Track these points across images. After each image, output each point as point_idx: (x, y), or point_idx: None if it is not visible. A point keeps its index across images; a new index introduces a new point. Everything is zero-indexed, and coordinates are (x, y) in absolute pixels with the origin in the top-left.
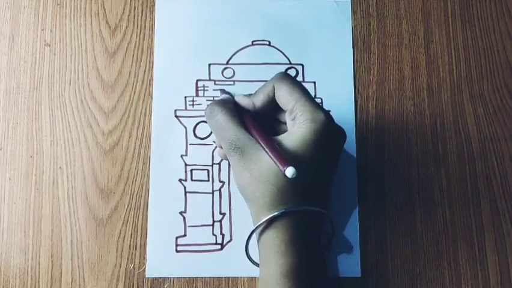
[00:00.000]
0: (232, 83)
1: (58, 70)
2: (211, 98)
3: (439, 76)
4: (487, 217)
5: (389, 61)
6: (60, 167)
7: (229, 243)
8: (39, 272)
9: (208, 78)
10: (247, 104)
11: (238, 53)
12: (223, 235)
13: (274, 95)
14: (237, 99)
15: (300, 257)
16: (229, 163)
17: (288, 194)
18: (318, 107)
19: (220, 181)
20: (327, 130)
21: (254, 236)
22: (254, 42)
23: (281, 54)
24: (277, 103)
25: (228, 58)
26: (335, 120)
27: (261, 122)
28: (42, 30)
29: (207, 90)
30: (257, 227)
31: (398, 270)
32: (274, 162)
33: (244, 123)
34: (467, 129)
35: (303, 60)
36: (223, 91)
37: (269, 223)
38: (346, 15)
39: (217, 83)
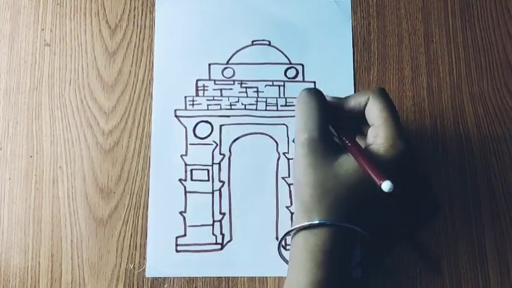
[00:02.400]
0: (232, 82)
1: (58, 70)
2: (211, 98)
3: (439, 76)
4: (487, 217)
5: (389, 61)
6: (60, 167)
7: (229, 243)
8: (39, 272)
9: (208, 78)
10: (337, 103)
11: (238, 53)
12: (223, 235)
13: (364, 106)
14: (328, 99)
15: (333, 273)
16: (229, 163)
17: (347, 213)
18: (403, 135)
19: (220, 181)
20: (403, 162)
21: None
22: (254, 42)
23: (281, 54)
24: (362, 114)
25: (228, 58)
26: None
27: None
28: (42, 30)
29: (207, 90)
30: (293, 229)
31: (398, 270)
32: (370, 174)
33: (334, 127)
34: (467, 129)
35: (303, 60)
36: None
37: (312, 225)
38: (346, 15)
39: (217, 82)
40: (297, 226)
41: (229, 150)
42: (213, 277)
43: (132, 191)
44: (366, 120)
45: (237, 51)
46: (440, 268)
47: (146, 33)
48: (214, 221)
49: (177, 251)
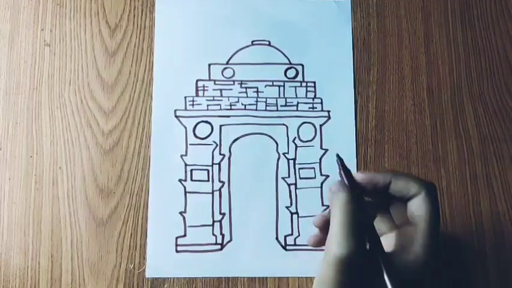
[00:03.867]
0: (232, 83)
1: (58, 70)
2: (211, 98)
3: (439, 76)
4: (487, 217)
5: (389, 61)
6: (60, 167)
7: (229, 243)
8: (39, 272)
9: (208, 78)
10: (380, 179)
11: (238, 53)
12: (223, 235)
13: (410, 196)
14: (357, 177)
15: None
16: (229, 163)
17: None
18: (437, 244)
19: (220, 181)
20: (432, 270)
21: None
22: (254, 42)
23: (281, 54)
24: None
25: (228, 58)
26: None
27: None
28: (42, 30)
29: (207, 90)
30: None
31: None
32: None
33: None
34: (467, 129)
35: (303, 60)
36: (340, 160)
37: None
38: (346, 15)
39: (217, 83)
40: None
41: (229, 151)
42: (213, 277)
43: (132, 191)
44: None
45: (237, 51)
46: None
47: (146, 33)
48: (214, 221)
49: (177, 251)
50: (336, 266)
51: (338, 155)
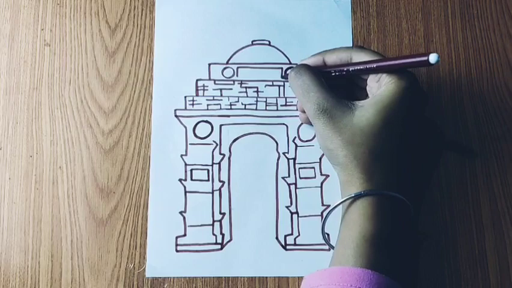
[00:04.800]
0: (232, 82)
1: (58, 70)
2: (211, 98)
3: (439, 76)
4: (487, 217)
5: None
6: (60, 167)
7: (229, 243)
8: (39, 272)
9: (208, 78)
10: (317, 60)
11: (238, 53)
12: (223, 235)
13: (346, 62)
14: (307, 60)
15: (387, 224)
16: (229, 163)
17: (382, 160)
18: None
19: (220, 181)
20: (416, 88)
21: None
22: (254, 42)
23: (281, 54)
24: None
25: (228, 58)
26: None
27: (335, 87)
28: (42, 29)
29: (207, 90)
30: (352, 196)
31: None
32: (412, 60)
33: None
34: (467, 129)
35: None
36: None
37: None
38: (346, 15)
39: (217, 82)
40: (342, 200)
41: (229, 150)
42: (213, 277)
43: (132, 191)
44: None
45: (237, 51)
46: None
47: (146, 33)
48: (214, 221)
49: (177, 251)
50: (317, 120)
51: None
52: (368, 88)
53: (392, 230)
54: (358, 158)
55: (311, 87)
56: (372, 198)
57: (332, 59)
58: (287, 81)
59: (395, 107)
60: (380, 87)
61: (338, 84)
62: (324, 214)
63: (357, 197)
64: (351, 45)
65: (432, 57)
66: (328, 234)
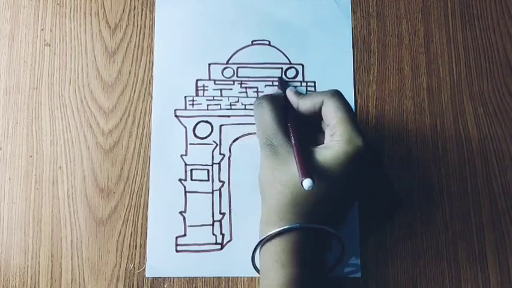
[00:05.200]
0: (232, 82)
1: (58, 70)
2: (211, 98)
3: (439, 76)
4: (487, 217)
5: (389, 61)
6: (60, 167)
7: (229, 243)
8: (39, 272)
9: (208, 78)
10: (293, 102)
11: (238, 53)
12: (223, 235)
13: (320, 108)
14: (288, 92)
15: (301, 270)
16: (229, 163)
17: (301, 206)
18: (359, 131)
19: (220, 181)
20: (360, 156)
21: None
22: (254, 42)
23: (281, 54)
24: (321, 115)
25: (228, 58)
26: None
27: (306, 127)
28: (42, 30)
29: (207, 90)
30: (266, 236)
31: (398, 270)
32: (297, 169)
33: (287, 123)
34: (467, 129)
35: (303, 60)
36: (280, 79)
37: (282, 231)
38: (346, 15)
39: (217, 82)
40: (267, 234)
41: (229, 150)
42: (213, 277)
43: (132, 191)
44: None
45: (237, 51)
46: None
47: (146, 33)
48: (214, 221)
49: (177, 251)
50: (263, 151)
51: (280, 78)
52: (325, 138)
53: (309, 275)
54: (279, 198)
55: (267, 121)
56: (288, 241)
57: (305, 106)
58: (288, 81)
59: (333, 167)
60: (331, 141)
61: (307, 122)
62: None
63: (278, 233)
64: (351, 45)
65: (306, 183)
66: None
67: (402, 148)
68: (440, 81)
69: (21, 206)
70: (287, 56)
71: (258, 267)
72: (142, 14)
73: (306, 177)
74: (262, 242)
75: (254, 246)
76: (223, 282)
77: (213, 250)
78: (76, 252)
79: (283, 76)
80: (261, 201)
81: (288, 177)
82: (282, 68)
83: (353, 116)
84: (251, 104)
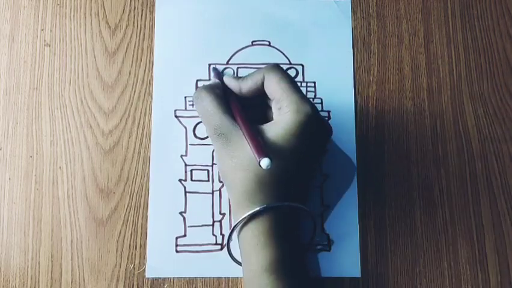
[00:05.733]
0: None
1: (58, 70)
2: None
3: (439, 76)
4: (487, 217)
5: (389, 61)
6: (60, 167)
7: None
8: (39, 272)
9: (208, 78)
10: (234, 87)
11: (238, 53)
12: (223, 235)
13: (262, 84)
14: (225, 79)
15: (281, 249)
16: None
17: (267, 186)
18: (305, 99)
19: (220, 181)
20: (311, 123)
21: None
22: (254, 42)
23: (281, 54)
24: (265, 92)
25: (228, 58)
26: (330, 118)
27: (250, 107)
28: (42, 30)
29: None
30: (239, 222)
31: (398, 270)
32: (252, 151)
33: (230, 108)
34: (467, 129)
35: (303, 60)
36: (214, 69)
37: (249, 217)
38: (346, 15)
39: None
40: (239, 219)
41: None
42: (213, 277)
43: (132, 191)
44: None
45: (237, 51)
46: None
47: (146, 33)
48: (214, 221)
49: (177, 251)
50: (214, 142)
51: (215, 68)
52: (273, 113)
53: (289, 254)
54: (244, 184)
55: (210, 112)
56: (262, 223)
57: (247, 85)
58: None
59: (286, 139)
60: (279, 115)
61: (253, 103)
62: (322, 214)
63: (251, 216)
64: (351, 45)
65: (263, 163)
66: (328, 236)
67: (402, 148)
68: (440, 81)
69: (21, 206)
70: (287, 56)
71: (236, 259)
72: (142, 14)
73: (262, 157)
74: (237, 229)
75: (227, 237)
76: (223, 282)
77: (213, 250)
78: (76, 252)
79: None
80: (224, 184)
81: (248, 161)
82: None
83: (296, 86)
84: None
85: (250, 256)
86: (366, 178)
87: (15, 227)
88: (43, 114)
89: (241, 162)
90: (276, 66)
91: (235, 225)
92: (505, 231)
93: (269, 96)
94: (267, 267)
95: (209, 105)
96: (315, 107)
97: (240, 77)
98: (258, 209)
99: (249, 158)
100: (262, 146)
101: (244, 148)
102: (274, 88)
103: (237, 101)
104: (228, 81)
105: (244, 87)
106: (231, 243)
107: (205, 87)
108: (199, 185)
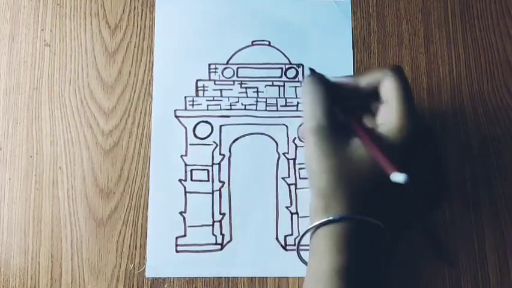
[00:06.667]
0: (232, 83)
1: (58, 70)
2: (211, 98)
3: (439, 76)
4: (487, 217)
5: (389, 61)
6: (60, 167)
7: (229, 243)
8: (39, 272)
9: (208, 78)
10: (350, 81)
11: (238, 53)
12: (223, 235)
13: (378, 83)
14: (335, 79)
15: (357, 258)
16: (229, 163)
17: (361, 195)
18: (417, 117)
19: (220, 181)
20: (415, 142)
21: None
22: (254, 42)
23: (281, 54)
24: (374, 92)
25: (228, 58)
26: None
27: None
28: (42, 30)
29: (207, 90)
30: (321, 223)
31: (398, 271)
32: (382, 165)
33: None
34: (467, 129)
35: (303, 60)
36: (312, 70)
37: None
38: (346, 15)
39: (217, 83)
40: (316, 223)
41: (229, 151)
42: (213, 277)
43: (132, 191)
44: (377, 98)
45: (237, 51)
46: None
47: (146, 33)
48: (214, 221)
49: (177, 251)
50: (311, 136)
51: (311, 69)
52: (378, 116)
53: (363, 261)
54: (338, 191)
55: (319, 101)
56: (342, 227)
57: (365, 81)
58: (288, 82)
59: (390, 152)
60: (384, 124)
61: (354, 106)
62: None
63: (331, 222)
64: (351, 45)
65: (397, 177)
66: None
67: None
68: (440, 81)
69: (21, 206)
70: (287, 56)
71: (303, 258)
72: (142, 15)
73: (394, 170)
74: (314, 228)
75: (302, 233)
76: (223, 282)
77: (213, 250)
78: (76, 252)
79: (283, 76)
80: (309, 180)
81: (349, 167)
82: (282, 68)
83: (412, 100)
84: (251, 104)
85: (324, 254)
86: None
87: (15, 227)
88: (43, 114)
89: (339, 166)
90: (402, 71)
91: (309, 228)
92: (505, 231)
93: (382, 98)
94: (338, 271)
95: (320, 91)
96: (421, 127)
97: (351, 76)
98: (350, 216)
99: (348, 162)
100: (390, 159)
101: (346, 151)
102: (392, 93)
103: (345, 102)
104: (341, 80)
105: (362, 82)
106: (231, 244)
107: (320, 77)
108: (199, 185)
